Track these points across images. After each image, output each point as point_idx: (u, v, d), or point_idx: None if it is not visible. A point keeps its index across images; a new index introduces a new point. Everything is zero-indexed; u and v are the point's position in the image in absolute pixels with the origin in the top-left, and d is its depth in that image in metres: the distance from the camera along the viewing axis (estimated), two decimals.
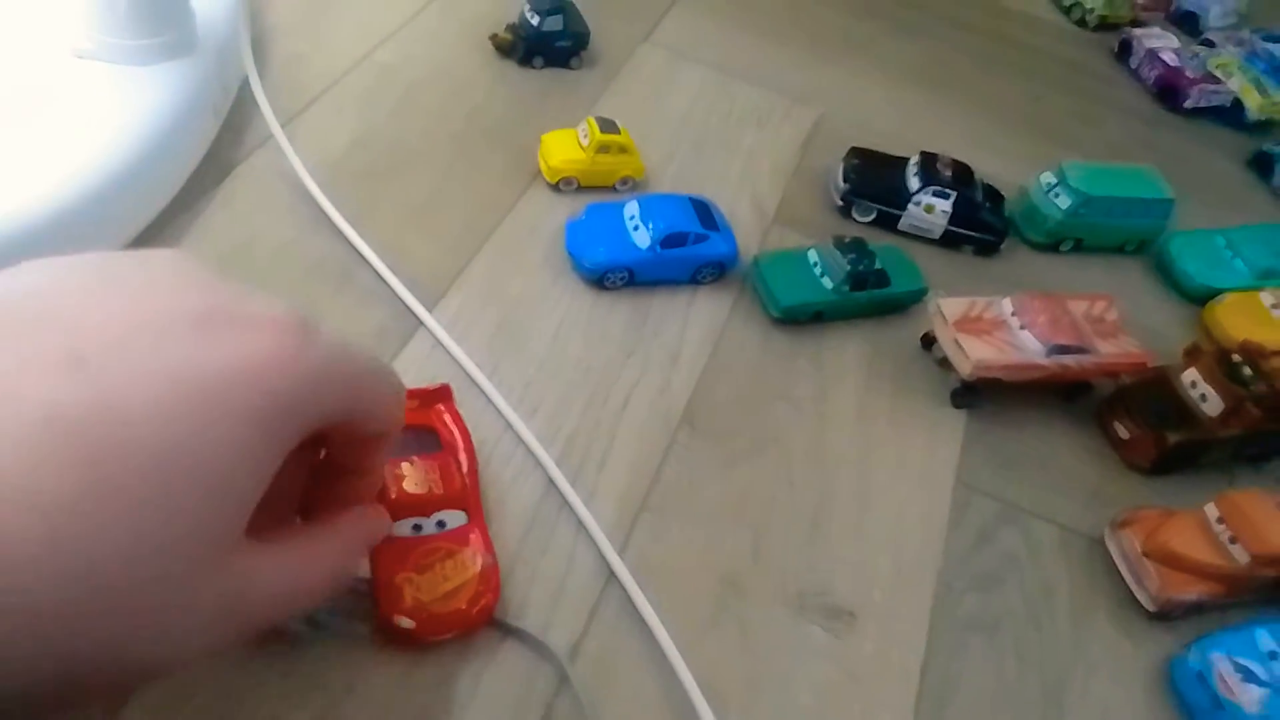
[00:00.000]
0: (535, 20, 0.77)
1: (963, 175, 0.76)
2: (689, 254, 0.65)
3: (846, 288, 0.66)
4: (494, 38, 0.79)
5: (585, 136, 0.69)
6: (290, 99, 0.70)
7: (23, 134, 0.53)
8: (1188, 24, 1.16)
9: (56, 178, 0.52)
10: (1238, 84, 1.04)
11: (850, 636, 0.52)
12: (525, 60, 0.78)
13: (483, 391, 0.57)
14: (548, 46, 0.78)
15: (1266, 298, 0.76)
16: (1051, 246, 0.79)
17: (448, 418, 0.53)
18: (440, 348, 0.59)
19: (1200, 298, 0.78)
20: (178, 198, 0.61)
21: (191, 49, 0.60)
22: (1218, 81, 1.03)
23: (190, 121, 0.61)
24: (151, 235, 0.59)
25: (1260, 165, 0.98)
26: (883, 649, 0.52)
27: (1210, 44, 1.10)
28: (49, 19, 0.58)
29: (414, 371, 0.57)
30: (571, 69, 0.81)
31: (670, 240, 0.64)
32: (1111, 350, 0.66)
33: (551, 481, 0.54)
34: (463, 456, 0.51)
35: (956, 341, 0.63)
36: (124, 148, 0.56)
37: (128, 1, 0.55)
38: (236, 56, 0.65)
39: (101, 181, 0.54)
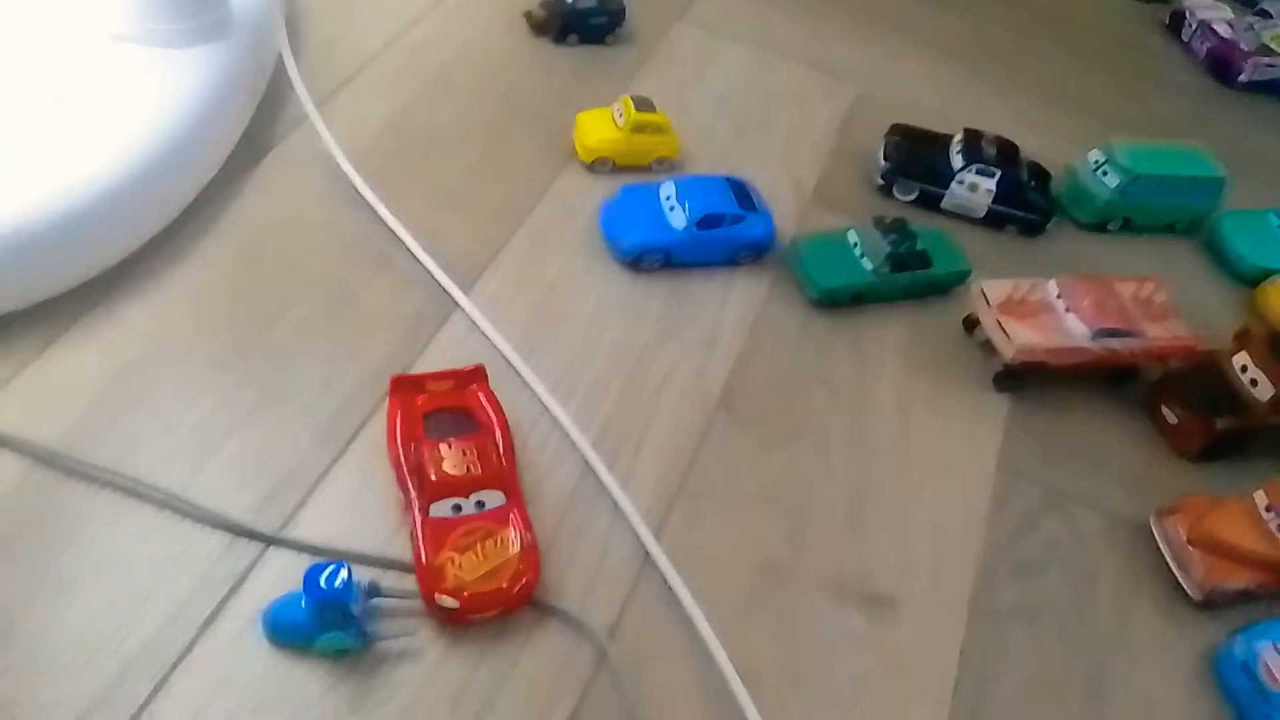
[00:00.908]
0: None
1: (1008, 153, 0.74)
2: (726, 235, 0.64)
3: (887, 269, 0.65)
4: (528, 15, 0.79)
5: (620, 116, 0.68)
6: (325, 80, 0.70)
7: (64, 117, 0.54)
8: None
9: (97, 161, 0.52)
10: None
11: (889, 624, 0.51)
12: (560, 38, 0.78)
13: (519, 374, 0.57)
14: (583, 23, 0.78)
15: None
16: (1099, 226, 0.77)
17: (483, 398, 0.53)
18: (476, 330, 0.58)
19: (1253, 279, 0.76)
20: (216, 178, 0.61)
21: (227, 32, 0.60)
22: (1273, 54, 1.00)
23: (227, 103, 0.61)
24: (190, 216, 0.59)
25: None
26: (922, 637, 0.51)
27: (1266, 14, 1.06)
28: (86, 3, 0.58)
29: (450, 353, 0.57)
30: (607, 46, 0.80)
31: (707, 221, 0.63)
32: (1160, 334, 0.64)
33: (588, 464, 0.54)
34: (499, 437, 0.51)
35: (1000, 324, 0.62)
36: (162, 130, 0.56)
37: None
38: (271, 39, 0.65)
39: (140, 164, 0.54)
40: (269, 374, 0.54)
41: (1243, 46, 0.99)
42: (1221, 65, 1.00)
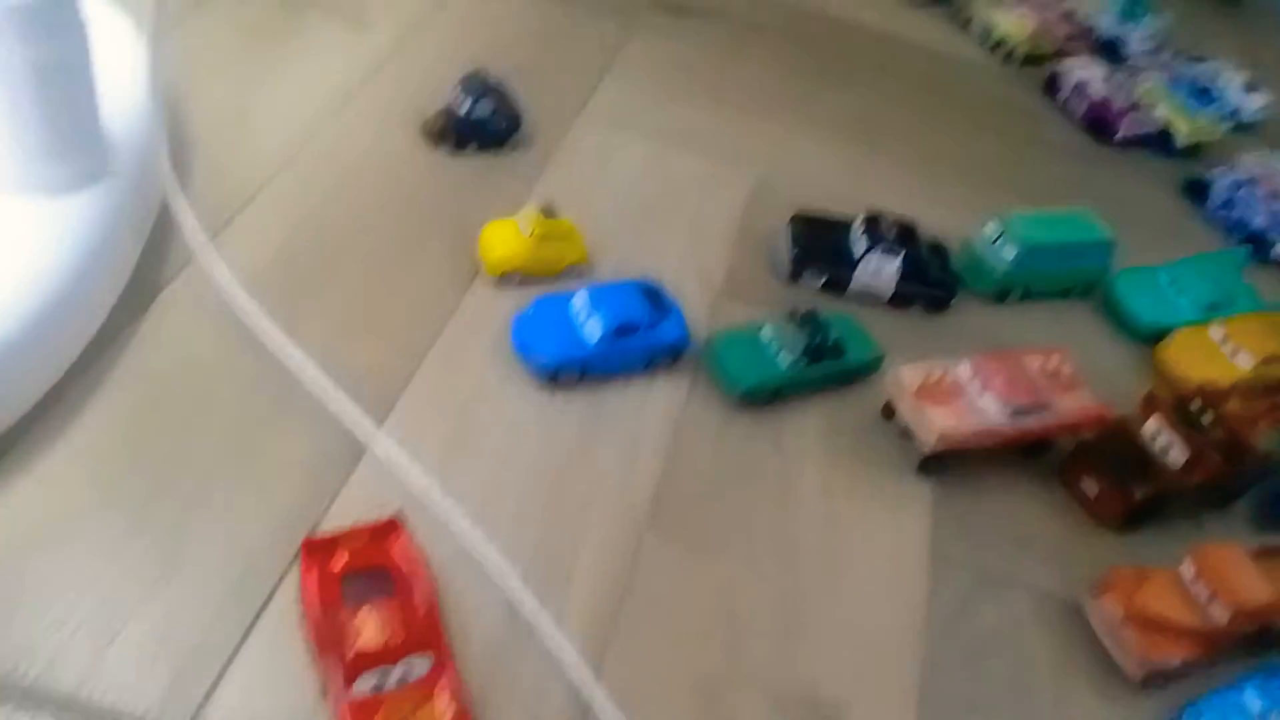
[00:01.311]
0: (465, 106, 0.76)
1: (908, 233, 0.76)
2: (641, 342, 0.63)
3: (804, 362, 0.65)
4: (424, 125, 0.78)
5: (526, 226, 0.67)
6: (216, 211, 0.67)
7: None
8: (1109, 52, 1.18)
9: None
10: (1165, 110, 1.05)
11: None
12: (459, 147, 0.77)
13: (438, 514, 0.54)
14: (480, 132, 0.77)
15: (1215, 332, 0.77)
16: (1000, 297, 0.79)
17: (401, 551, 0.50)
18: (390, 469, 0.56)
19: (1150, 337, 0.79)
20: (104, 328, 0.58)
21: (106, 174, 0.58)
22: (1145, 110, 1.05)
23: (110, 248, 0.58)
24: (78, 372, 0.56)
25: (1193, 192, 1.00)
26: None
27: (1135, 69, 1.11)
28: None
29: (365, 497, 0.55)
30: (506, 152, 0.79)
31: (623, 330, 0.62)
32: (1070, 405, 0.65)
33: (517, 605, 0.51)
34: (421, 595, 0.48)
35: (919, 411, 0.63)
36: (41, 284, 0.53)
37: (32, 129, 0.53)
38: (154, 176, 0.62)
39: (19, 324, 0.51)
40: (170, 542, 0.50)
41: (1116, 106, 1.04)
42: (1099, 124, 1.05)
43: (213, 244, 0.63)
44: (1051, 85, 1.10)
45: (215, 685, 0.46)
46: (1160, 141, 1.05)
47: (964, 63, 1.15)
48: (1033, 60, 1.14)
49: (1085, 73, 1.08)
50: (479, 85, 0.76)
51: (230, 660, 0.47)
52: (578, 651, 0.50)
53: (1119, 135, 1.03)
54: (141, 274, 0.62)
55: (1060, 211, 0.82)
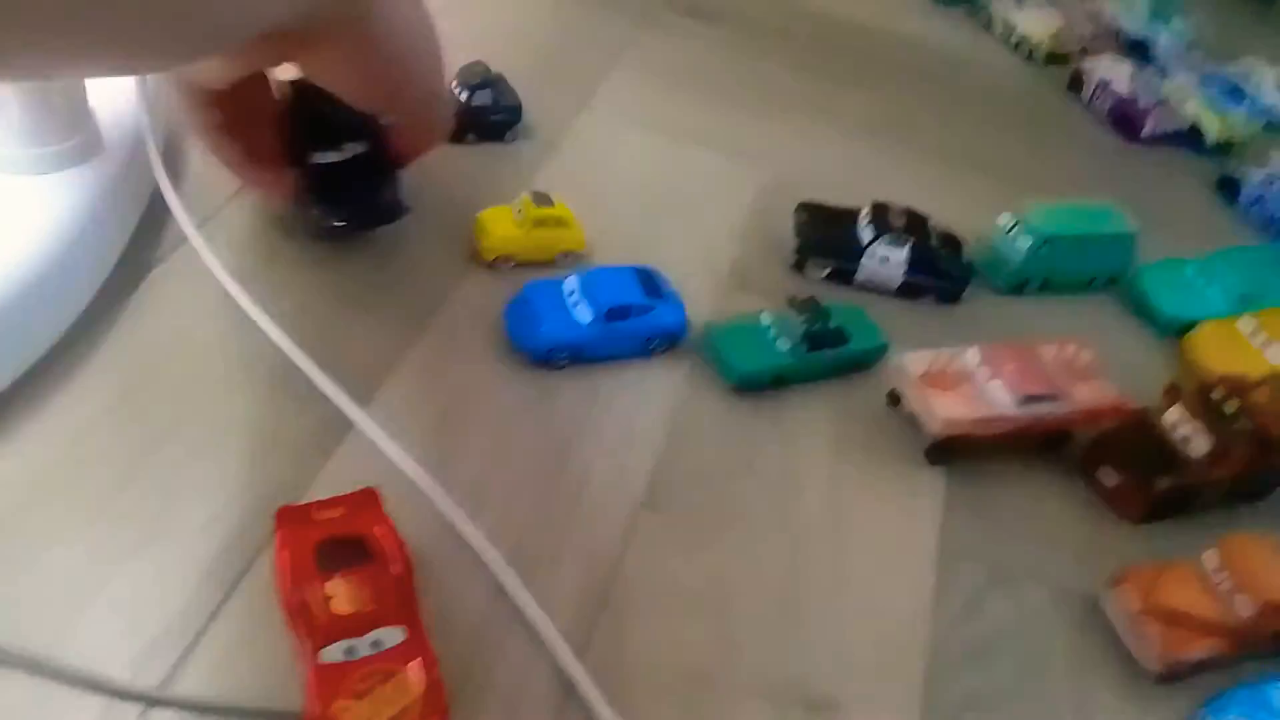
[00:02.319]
0: (464, 96, 0.75)
1: (917, 223, 0.74)
2: (635, 326, 0.62)
3: (804, 349, 0.63)
4: None
5: (519, 212, 0.66)
6: (211, 188, 0.67)
7: None
8: (1137, 52, 1.15)
9: None
10: (1194, 109, 1.03)
11: None
12: (457, 137, 0.76)
13: (424, 491, 0.53)
14: (479, 122, 0.76)
15: (1245, 325, 0.74)
16: (1017, 290, 0.77)
17: (377, 524, 0.49)
18: (378, 448, 0.55)
19: (1176, 330, 0.76)
20: (93, 305, 0.58)
21: (95, 153, 0.58)
22: (1173, 107, 1.02)
23: (99, 227, 0.58)
24: (65, 348, 0.56)
25: (1226, 189, 0.96)
26: None
27: (1164, 71, 1.09)
28: None
29: (350, 474, 0.53)
30: (506, 142, 0.79)
31: (614, 313, 0.61)
32: (1087, 395, 0.62)
33: (502, 585, 0.50)
34: (395, 566, 0.47)
35: (922, 398, 0.60)
36: (28, 261, 0.52)
37: (20, 109, 0.53)
38: (145, 157, 0.62)
39: (5, 299, 0.51)
40: (149, 511, 0.50)
41: (1142, 103, 1.01)
42: (1124, 121, 1.02)
43: (204, 225, 0.63)
44: (1076, 83, 1.08)
45: (188, 651, 0.45)
46: (1190, 139, 1.02)
47: (986, 63, 1.13)
48: (1056, 60, 1.12)
49: (1110, 71, 1.05)
50: (477, 76, 0.75)
51: (204, 628, 0.46)
52: (560, 632, 0.48)
53: (1145, 132, 1.01)
54: (134, 252, 0.62)
55: (1081, 204, 0.79)
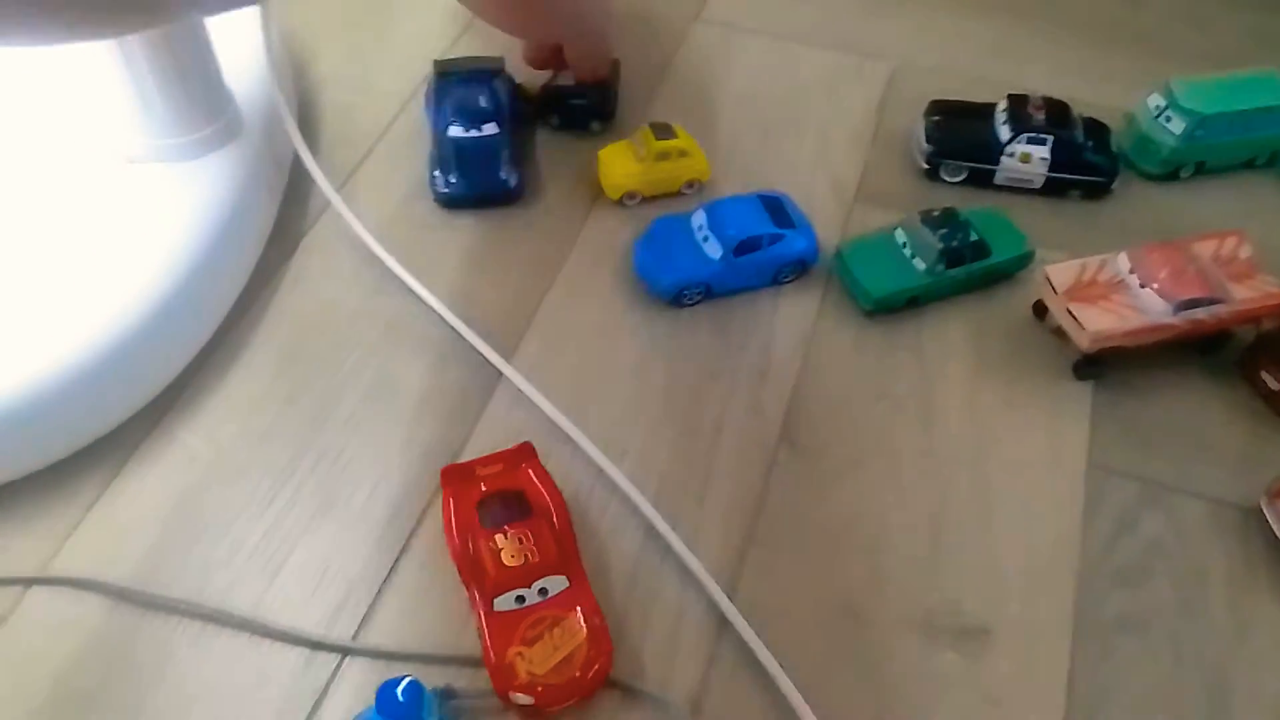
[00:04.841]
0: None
1: (1058, 115, 0.69)
2: (765, 257, 0.62)
3: (941, 267, 0.61)
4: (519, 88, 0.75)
5: (641, 146, 0.66)
6: (345, 155, 0.70)
7: (94, 249, 0.54)
8: None
9: (134, 287, 0.53)
10: None
11: (986, 657, 0.49)
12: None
13: (571, 439, 0.56)
14: (563, 104, 0.72)
15: None
16: (1170, 176, 0.72)
17: (535, 477, 0.52)
18: (524, 398, 0.57)
19: None
20: (251, 281, 0.62)
21: (237, 133, 0.60)
22: None
23: (250, 204, 0.61)
24: (235, 318, 0.60)
25: None
26: (1023, 666, 0.49)
27: None
28: (100, 131, 0.58)
29: (500, 427, 0.56)
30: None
31: (744, 246, 0.61)
32: (1248, 294, 0.59)
33: (651, 527, 0.52)
34: (555, 518, 0.50)
35: (1070, 312, 0.58)
36: (191, 245, 0.56)
37: (164, 101, 0.55)
38: (283, 133, 0.64)
39: (177, 282, 0.55)
40: (323, 479, 0.54)
41: None
42: None
43: (341, 193, 0.65)
44: None
45: (373, 606, 0.49)
46: None
47: None
48: None
49: None
50: None
51: (385, 582, 0.50)
52: (710, 572, 0.50)
53: None
54: (284, 224, 0.65)
55: (1239, 74, 0.72)
